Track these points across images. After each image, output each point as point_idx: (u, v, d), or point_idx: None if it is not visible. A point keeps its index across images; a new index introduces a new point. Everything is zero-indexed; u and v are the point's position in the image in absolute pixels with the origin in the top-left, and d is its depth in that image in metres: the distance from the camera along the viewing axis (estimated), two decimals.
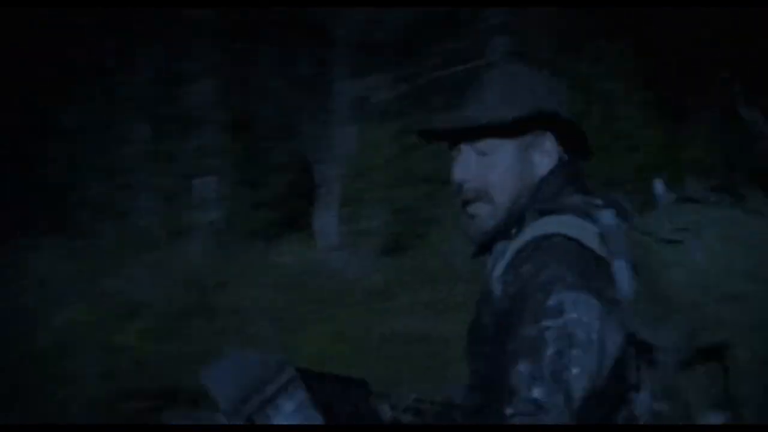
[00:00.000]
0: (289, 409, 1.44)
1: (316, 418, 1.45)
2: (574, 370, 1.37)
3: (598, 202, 1.55)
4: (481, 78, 1.63)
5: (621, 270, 1.47)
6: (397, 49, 12.37)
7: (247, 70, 12.79)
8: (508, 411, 1.36)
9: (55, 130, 12.43)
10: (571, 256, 1.44)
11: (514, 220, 1.56)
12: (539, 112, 1.56)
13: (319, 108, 12.58)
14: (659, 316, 1.44)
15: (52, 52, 12.04)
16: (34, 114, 13.10)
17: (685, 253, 1.50)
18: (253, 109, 12.95)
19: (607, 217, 1.52)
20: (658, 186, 1.64)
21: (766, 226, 1.53)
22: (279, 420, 1.44)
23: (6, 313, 7.43)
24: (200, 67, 12.50)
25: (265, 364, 1.49)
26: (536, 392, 1.35)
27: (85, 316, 7.45)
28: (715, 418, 1.42)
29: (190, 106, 12.61)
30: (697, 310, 1.46)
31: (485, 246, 1.60)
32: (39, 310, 7.66)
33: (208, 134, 12.57)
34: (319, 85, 12.69)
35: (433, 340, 8.08)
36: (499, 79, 1.60)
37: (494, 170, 1.57)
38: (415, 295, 9.73)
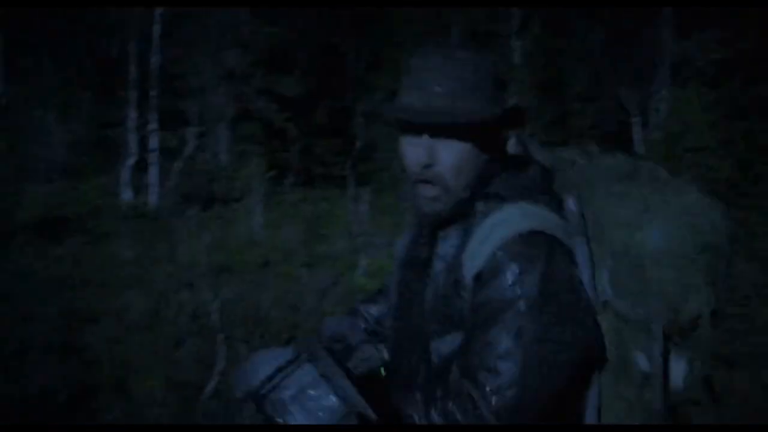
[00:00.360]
0: (296, 388, 1.60)
1: (325, 392, 1.59)
2: (548, 363, 1.53)
3: (560, 194, 1.67)
4: (432, 63, 1.62)
5: (582, 251, 1.62)
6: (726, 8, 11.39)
7: (556, 29, 12.51)
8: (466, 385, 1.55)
9: (368, 87, 13.03)
10: (550, 255, 1.56)
11: (466, 205, 1.64)
12: (512, 110, 1.65)
13: (633, 69, 11.99)
14: (637, 291, 1.59)
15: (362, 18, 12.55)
16: (351, 76, 13.81)
17: (642, 235, 1.62)
18: (561, 70, 12.65)
19: (570, 203, 1.65)
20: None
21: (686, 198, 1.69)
22: (289, 394, 1.59)
23: (318, 260, 7.96)
24: (510, 27, 12.44)
25: (282, 355, 1.64)
26: (504, 368, 1.54)
27: (386, 264, 7.74)
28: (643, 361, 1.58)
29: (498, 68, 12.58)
30: (671, 283, 1.59)
31: (436, 228, 1.68)
32: (346, 256, 8.10)
33: (516, 96, 12.48)
34: (635, 44, 12.07)
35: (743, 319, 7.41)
36: (456, 68, 1.61)
37: (455, 157, 1.62)
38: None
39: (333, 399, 1.59)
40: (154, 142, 11.45)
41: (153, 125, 11.44)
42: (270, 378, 1.60)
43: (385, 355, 1.86)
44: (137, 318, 5.73)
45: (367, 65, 14.41)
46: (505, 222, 1.60)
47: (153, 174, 11.24)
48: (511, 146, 1.73)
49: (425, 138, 1.62)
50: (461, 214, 1.65)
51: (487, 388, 1.55)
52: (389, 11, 13.94)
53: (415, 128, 1.62)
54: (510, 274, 1.56)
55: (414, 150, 1.63)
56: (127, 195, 11.08)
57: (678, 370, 1.61)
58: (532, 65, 12.54)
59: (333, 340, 1.92)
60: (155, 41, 11.45)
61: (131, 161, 11.28)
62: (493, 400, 1.54)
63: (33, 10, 11.29)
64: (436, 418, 1.59)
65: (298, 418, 1.58)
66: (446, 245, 1.69)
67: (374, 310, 1.98)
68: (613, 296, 1.61)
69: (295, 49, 13.69)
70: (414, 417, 1.62)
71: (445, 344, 1.67)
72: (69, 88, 11.52)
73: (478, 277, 1.59)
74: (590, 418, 1.65)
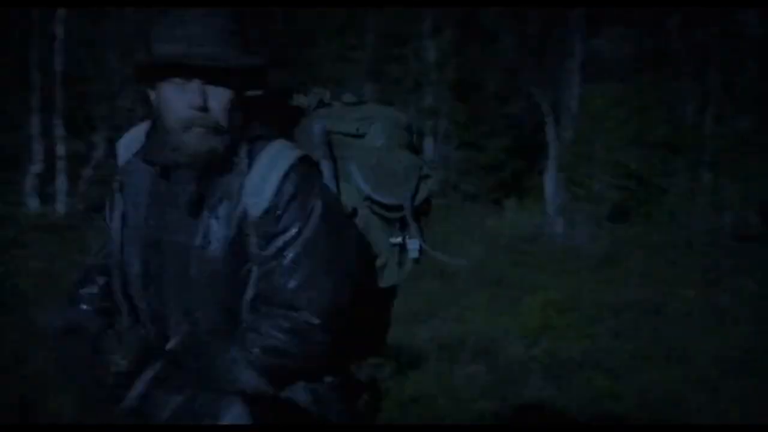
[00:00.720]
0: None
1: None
2: (336, 269, 1.80)
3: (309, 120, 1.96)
4: (194, 15, 1.76)
5: (327, 167, 1.91)
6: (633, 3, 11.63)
7: (470, 30, 12.58)
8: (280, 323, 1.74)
9: None
10: (319, 179, 1.85)
11: (233, 146, 1.79)
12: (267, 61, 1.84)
13: (546, 68, 12.15)
14: (385, 183, 1.94)
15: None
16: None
17: (370, 140, 1.98)
18: (476, 71, 12.74)
19: (317, 127, 1.94)
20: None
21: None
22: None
23: None
24: (425, 28, 12.47)
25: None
26: (317, 283, 1.76)
27: None
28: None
29: (413, 67, 12.63)
30: (404, 175, 1.96)
31: (208, 173, 1.79)
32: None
33: (430, 95, 12.52)
34: (547, 44, 12.24)
35: (669, 312, 7.58)
36: (219, 19, 1.77)
37: (226, 100, 1.76)
38: (642, 264, 9.19)
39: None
40: (60, 148, 11.04)
41: (59, 131, 11.04)
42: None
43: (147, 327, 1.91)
44: (46, 331, 5.47)
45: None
46: (278, 158, 1.80)
47: (60, 182, 10.83)
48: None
49: (196, 83, 1.73)
50: (230, 154, 1.79)
51: (300, 303, 1.75)
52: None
53: (188, 73, 1.72)
54: (298, 203, 1.78)
55: (185, 96, 1.73)
56: (33, 204, 10.66)
57: (413, 245, 1.97)
58: (446, 66, 12.58)
59: (70, 332, 1.92)
60: (59, 43, 11.05)
61: (36, 169, 10.86)
62: (312, 310, 1.75)
63: None
64: (253, 353, 1.73)
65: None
66: (221, 186, 1.80)
67: (96, 289, 1.99)
68: (372, 191, 1.93)
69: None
70: (233, 367, 1.73)
71: (240, 281, 1.80)
72: None
73: (267, 212, 1.77)
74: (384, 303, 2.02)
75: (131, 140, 1.95)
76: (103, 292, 1.98)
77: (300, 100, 2.04)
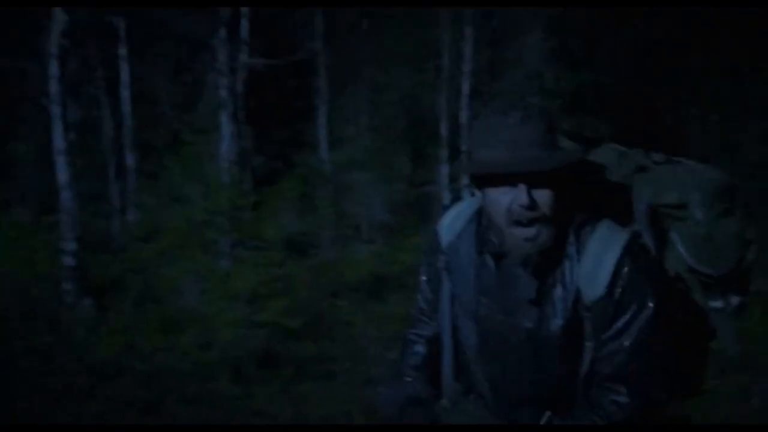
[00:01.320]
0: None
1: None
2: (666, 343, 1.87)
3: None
4: (509, 122, 1.80)
5: (650, 239, 1.96)
6: None
7: None
8: (622, 399, 1.82)
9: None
10: (646, 256, 1.90)
11: (560, 235, 1.84)
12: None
13: None
14: (706, 256, 1.96)
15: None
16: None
17: (692, 210, 1.96)
18: None
19: (641, 205, 1.96)
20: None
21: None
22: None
23: None
24: None
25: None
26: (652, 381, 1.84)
27: None
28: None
29: None
30: (724, 247, 1.95)
31: (541, 262, 1.84)
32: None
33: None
34: None
35: None
36: (533, 122, 1.80)
37: (551, 197, 1.80)
38: None
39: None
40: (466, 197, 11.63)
41: (465, 181, 11.63)
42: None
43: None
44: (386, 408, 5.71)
45: None
46: (609, 241, 1.85)
47: None
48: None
49: (520, 186, 1.79)
50: (559, 243, 1.85)
51: (648, 382, 1.83)
52: None
53: (513, 179, 1.80)
54: (634, 287, 1.82)
55: (513, 197, 1.80)
56: None
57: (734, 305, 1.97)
58: None
59: (411, 405, 2.03)
60: (463, 98, 11.71)
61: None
62: (659, 388, 1.83)
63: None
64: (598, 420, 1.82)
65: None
66: (552, 272, 1.86)
67: (420, 360, 2.12)
68: (695, 264, 1.94)
69: (602, 91, 13.45)
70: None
71: (576, 357, 1.87)
72: (385, 150, 12.08)
73: (604, 297, 1.82)
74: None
75: (452, 221, 2.04)
76: (426, 362, 2.11)
77: (621, 161, 2.06)
